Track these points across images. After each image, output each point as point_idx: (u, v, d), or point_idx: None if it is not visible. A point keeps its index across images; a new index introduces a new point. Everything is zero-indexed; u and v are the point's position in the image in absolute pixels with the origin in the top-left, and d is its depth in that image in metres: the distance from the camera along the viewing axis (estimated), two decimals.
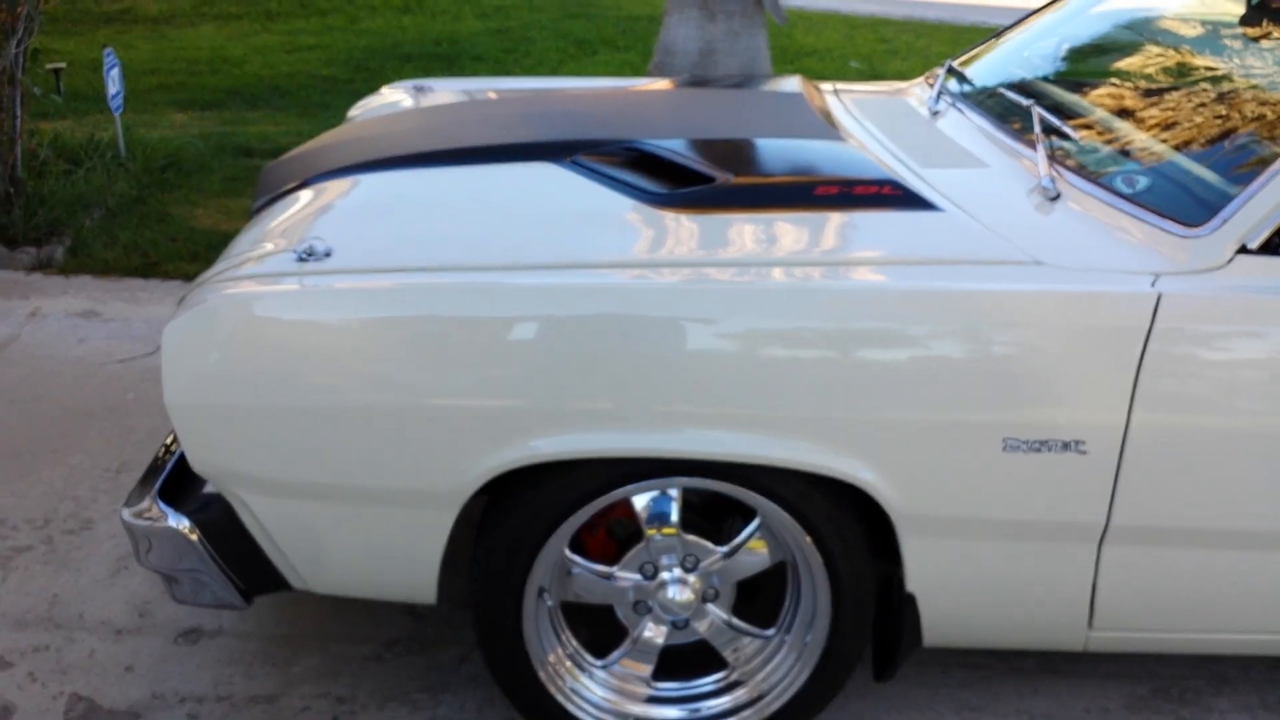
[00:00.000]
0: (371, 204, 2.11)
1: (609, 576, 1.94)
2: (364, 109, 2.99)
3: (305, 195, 2.19)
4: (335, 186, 2.19)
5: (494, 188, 2.13)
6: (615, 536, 1.97)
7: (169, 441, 2.15)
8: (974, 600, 1.89)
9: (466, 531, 1.91)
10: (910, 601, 1.88)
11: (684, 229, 1.92)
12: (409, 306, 1.75)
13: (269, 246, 1.94)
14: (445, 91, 3.01)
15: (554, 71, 6.41)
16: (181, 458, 2.02)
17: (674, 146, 2.22)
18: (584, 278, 1.76)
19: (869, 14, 8.69)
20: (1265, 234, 1.78)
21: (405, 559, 1.87)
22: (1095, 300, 1.73)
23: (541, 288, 1.75)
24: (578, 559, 1.93)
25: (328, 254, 1.84)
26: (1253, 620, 1.94)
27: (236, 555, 1.91)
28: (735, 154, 2.26)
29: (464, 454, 1.76)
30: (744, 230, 1.92)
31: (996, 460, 1.76)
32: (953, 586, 1.87)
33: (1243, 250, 1.78)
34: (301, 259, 1.82)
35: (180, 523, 1.89)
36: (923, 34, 8.01)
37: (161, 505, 1.92)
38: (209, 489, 1.93)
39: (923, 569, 1.85)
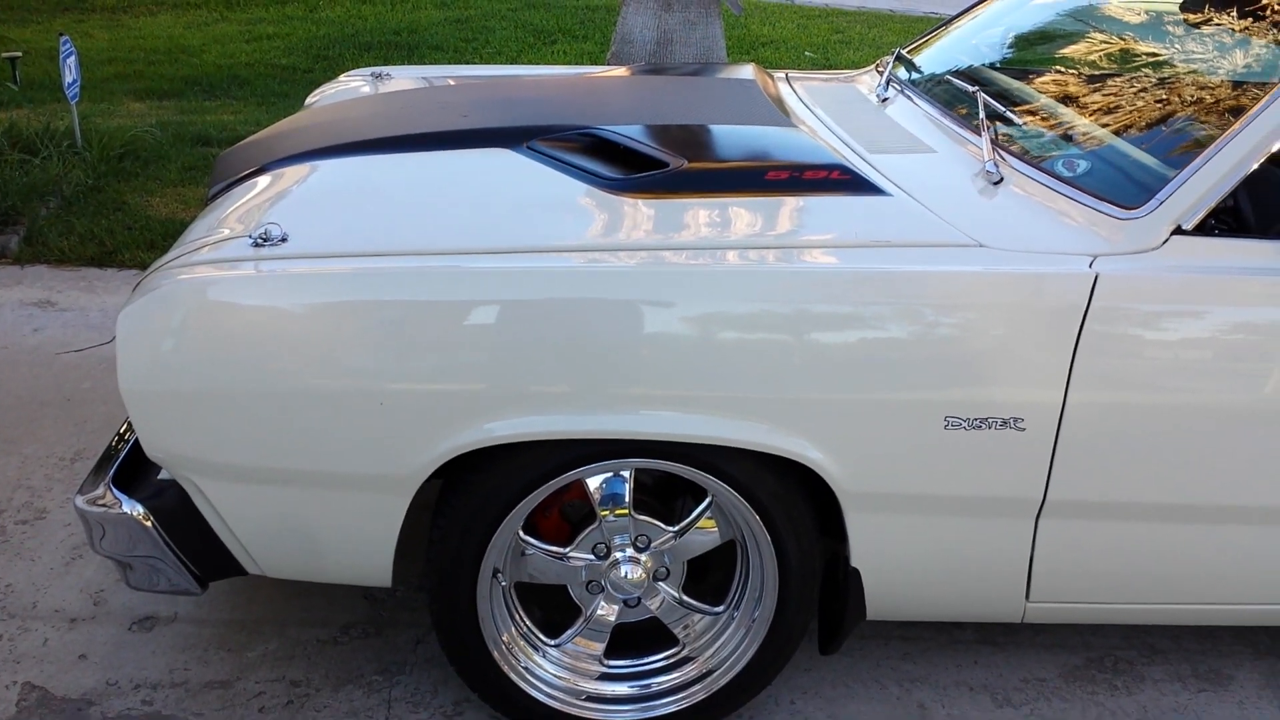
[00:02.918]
0: (328, 189, 2.11)
1: (562, 557, 1.97)
2: (322, 96, 2.99)
3: (262, 181, 2.19)
4: (292, 172, 2.19)
5: (450, 173, 2.14)
6: (568, 518, 2.00)
7: (123, 429, 2.15)
8: (916, 574, 1.93)
9: (421, 514, 1.93)
10: (855, 576, 1.92)
11: (638, 213, 1.94)
12: (365, 291, 1.76)
13: (224, 232, 1.94)
14: (404, 79, 3.02)
15: (513, 60, 6.39)
16: (136, 444, 2.02)
17: (629, 132, 2.24)
18: (540, 262, 1.78)
19: (823, 5, 8.74)
20: (1200, 215, 1.84)
21: (360, 543, 1.89)
22: (1034, 281, 1.78)
23: (497, 272, 1.77)
24: (532, 540, 1.96)
25: (283, 239, 1.84)
26: (1184, 591, 2.00)
27: (191, 541, 1.92)
28: (689, 139, 2.29)
29: (419, 437, 1.78)
30: (697, 214, 1.94)
31: (938, 438, 1.80)
32: (896, 561, 1.91)
33: (1178, 231, 1.83)
34: (257, 244, 1.83)
35: (134, 509, 1.90)
36: (875, 24, 8.06)
37: (115, 492, 1.92)
38: (163, 475, 1.93)
39: (867, 544, 1.90)
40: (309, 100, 3.02)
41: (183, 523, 1.90)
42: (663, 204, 1.97)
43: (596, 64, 6.11)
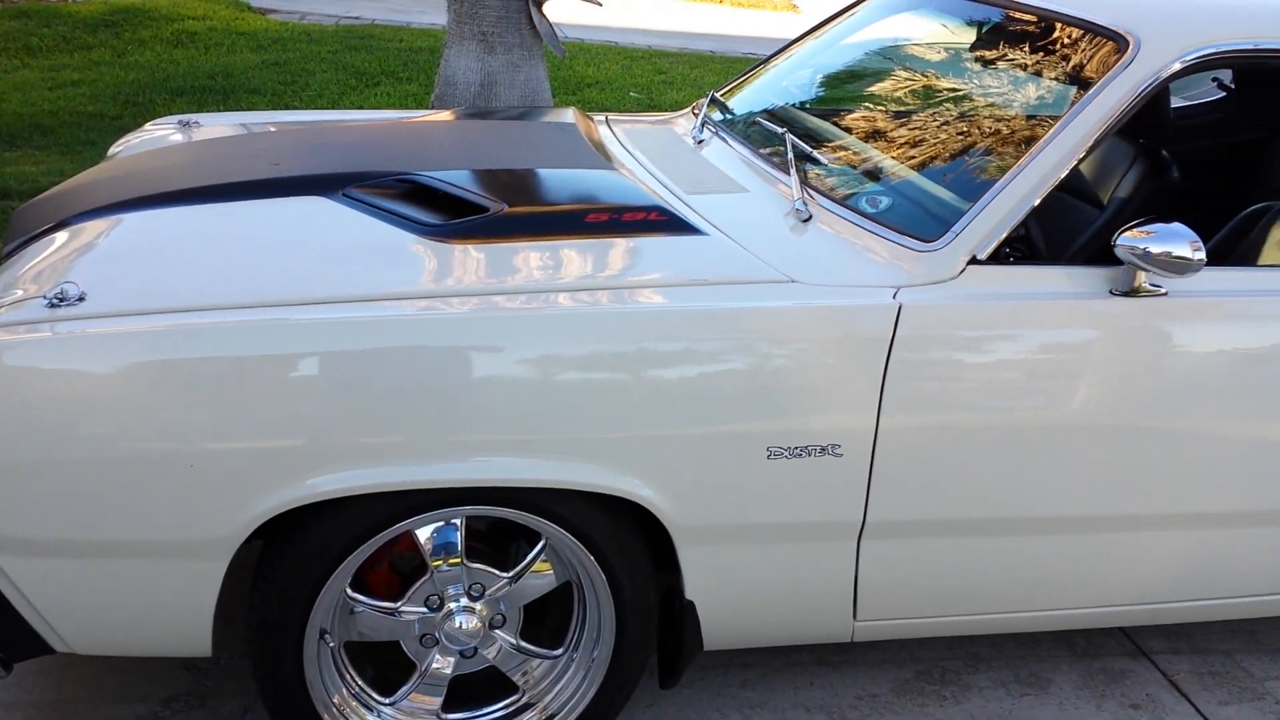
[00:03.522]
0: (132, 244, 2.03)
1: (394, 612, 1.92)
2: (126, 146, 2.87)
3: (60, 237, 2.09)
4: (93, 227, 2.10)
5: (261, 223, 2.09)
6: (398, 571, 1.96)
7: None
8: (749, 602, 1.97)
9: (243, 575, 1.86)
10: (690, 609, 1.95)
11: (459, 259, 1.94)
12: (171, 349, 1.69)
13: (19, 293, 1.84)
14: (215, 126, 2.93)
15: (334, 104, 6.27)
16: None
17: (448, 178, 2.23)
18: (360, 311, 1.75)
19: (645, 46, 8.90)
20: (992, 245, 1.95)
21: (176, 612, 1.80)
22: (844, 314, 1.85)
23: (314, 323, 1.73)
24: (360, 597, 1.91)
25: (81, 298, 1.76)
26: (1002, 601, 2.10)
27: None
28: (509, 184, 2.30)
29: (236, 497, 1.72)
30: (518, 259, 1.95)
31: (762, 468, 1.85)
32: (729, 591, 1.95)
33: (974, 261, 1.94)
34: (52, 305, 1.74)
35: None
36: (697, 65, 8.26)
37: None
38: None
39: (700, 577, 1.92)
40: (112, 150, 2.89)
41: None
42: (484, 249, 1.97)
43: (421, 106, 6.06)
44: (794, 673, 2.36)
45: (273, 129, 2.87)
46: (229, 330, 1.71)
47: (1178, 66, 2.02)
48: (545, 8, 4.74)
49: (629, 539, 1.91)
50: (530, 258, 1.96)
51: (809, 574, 1.96)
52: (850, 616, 2.04)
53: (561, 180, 2.36)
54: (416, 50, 7.74)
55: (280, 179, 2.24)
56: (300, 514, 1.78)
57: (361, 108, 6.23)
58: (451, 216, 2.07)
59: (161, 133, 2.89)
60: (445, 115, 3.13)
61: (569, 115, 2.87)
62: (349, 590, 1.89)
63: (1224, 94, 3.50)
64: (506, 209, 2.09)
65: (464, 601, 1.93)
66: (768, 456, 1.84)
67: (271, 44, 7.87)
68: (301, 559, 1.80)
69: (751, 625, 2.02)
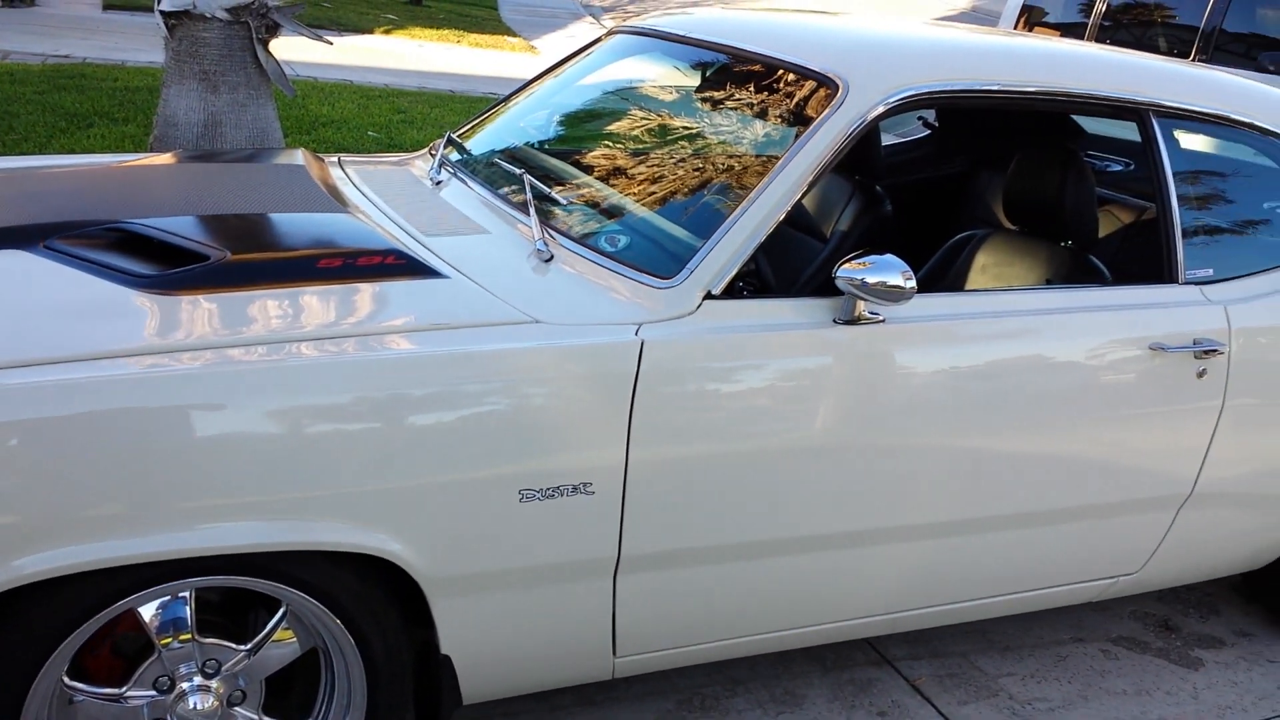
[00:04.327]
0: None
1: (119, 699, 1.76)
2: None
3: None
4: None
5: None
6: (122, 653, 1.80)
7: None
8: (506, 650, 1.94)
9: None
10: (447, 663, 1.89)
11: (177, 312, 1.81)
12: None
13: None
14: None
15: (42, 148, 5.80)
16: None
17: (164, 225, 2.10)
18: (58, 374, 1.61)
19: (383, 84, 8.76)
20: (725, 281, 2.01)
21: None
22: (588, 352, 1.86)
23: (9, 389, 1.57)
24: (80, 685, 1.74)
25: None
26: (756, 623, 2.16)
27: None
28: (232, 230, 2.18)
29: None
30: (242, 309, 1.85)
31: (514, 512, 1.82)
32: (485, 641, 1.91)
33: (709, 296, 1.99)
34: None
35: None
36: (436, 104, 8.20)
37: None
38: None
39: (455, 629, 1.87)
40: None
41: None
42: (205, 300, 1.86)
43: (140, 149, 5.70)
44: (557, 717, 2.34)
45: None
46: None
47: (882, 109, 2.15)
48: (272, 45, 4.58)
49: (377, 597, 1.84)
50: (256, 308, 1.85)
51: (567, 615, 1.95)
52: (610, 654, 2.03)
53: (290, 225, 2.27)
54: (134, 90, 7.29)
55: None
56: (4, 598, 1.61)
57: (73, 151, 5.79)
58: (168, 266, 1.94)
59: None
60: (165, 158, 2.94)
61: (299, 156, 2.77)
62: (66, 678, 1.72)
63: (929, 131, 3.79)
64: (230, 256, 1.99)
65: (198, 680, 1.79)
66: (520, 500, 1.82)
67: None
68: (8, 648, 1.62)
69: (511, 674, 1.98)
